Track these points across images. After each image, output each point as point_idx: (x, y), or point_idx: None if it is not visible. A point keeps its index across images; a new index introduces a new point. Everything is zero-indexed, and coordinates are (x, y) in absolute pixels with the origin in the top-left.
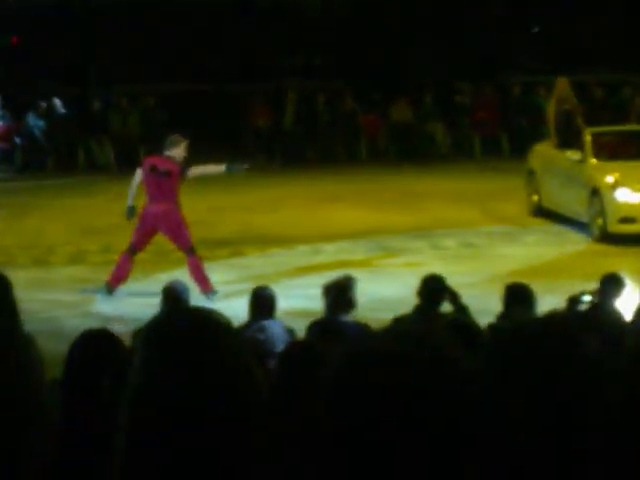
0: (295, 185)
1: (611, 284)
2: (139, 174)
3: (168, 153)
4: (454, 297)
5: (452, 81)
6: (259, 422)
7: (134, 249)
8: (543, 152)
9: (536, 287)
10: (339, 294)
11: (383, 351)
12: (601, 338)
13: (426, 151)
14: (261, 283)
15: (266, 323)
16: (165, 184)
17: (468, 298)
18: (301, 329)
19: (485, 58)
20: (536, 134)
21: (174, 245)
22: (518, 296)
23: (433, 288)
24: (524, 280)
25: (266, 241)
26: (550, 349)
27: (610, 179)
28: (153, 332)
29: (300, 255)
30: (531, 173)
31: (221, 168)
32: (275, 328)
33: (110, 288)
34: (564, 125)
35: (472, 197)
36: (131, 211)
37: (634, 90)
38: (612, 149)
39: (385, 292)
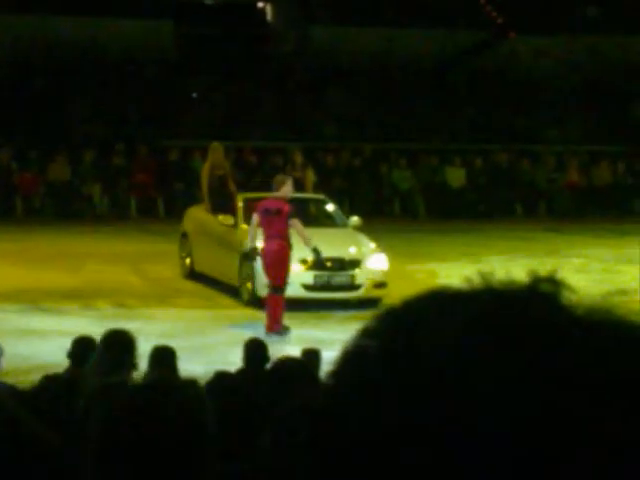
0: None
1: (254, 349)
2: (255, 218)
3: (277, 194)
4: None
5: (111, 142)
6: None
7: (277, 286)
8: (197, 216)
9: (182, 349)
10: None
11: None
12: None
13: (83, 211)
14: None
15: None
16: (277, 222)
17: None
18: None
19: (143, 121)
20: (192, 198)
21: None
22: (161, 358)
23: (84, 349)
24: (171, 342)
25: None
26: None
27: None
28: None
29: None
30: (185, 236)
31: (310, 244)
32: None
33: (274, 331)
34: (217, 190)
35: (127, 258)
36: (253, 252)
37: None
38: None
39: (37, 353)
